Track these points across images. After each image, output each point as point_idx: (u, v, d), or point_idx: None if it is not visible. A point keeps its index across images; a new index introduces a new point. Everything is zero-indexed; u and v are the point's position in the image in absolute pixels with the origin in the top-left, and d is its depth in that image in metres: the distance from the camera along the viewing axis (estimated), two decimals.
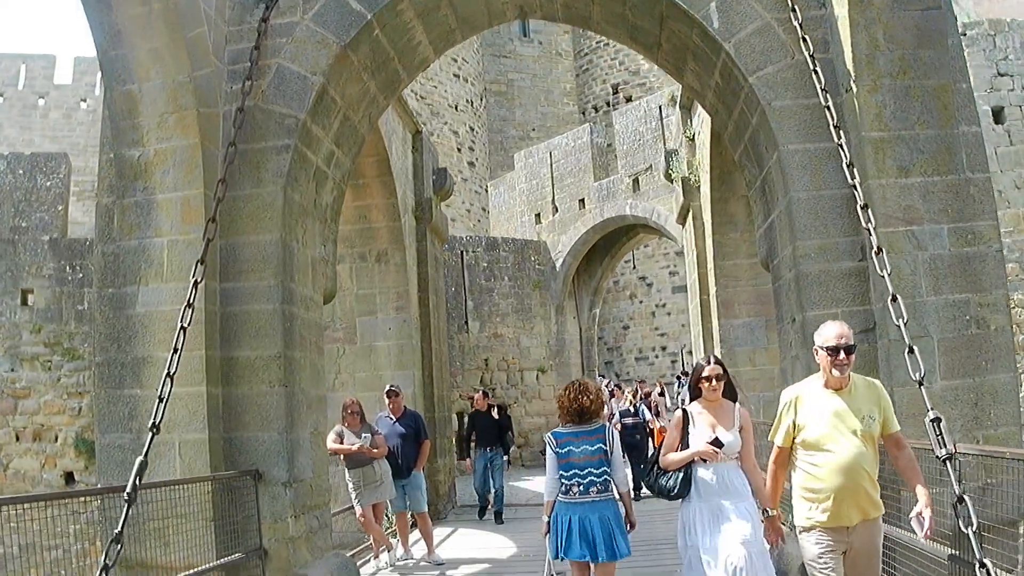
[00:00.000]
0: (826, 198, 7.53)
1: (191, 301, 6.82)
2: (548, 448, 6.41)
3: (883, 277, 6.31)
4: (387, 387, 10.92)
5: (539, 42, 47.74)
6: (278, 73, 8.24)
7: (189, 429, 7.50)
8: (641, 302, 39.95)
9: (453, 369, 20.92)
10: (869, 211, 6.66)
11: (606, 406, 20.29)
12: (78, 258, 16.86)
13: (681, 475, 5.87)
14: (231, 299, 7.98)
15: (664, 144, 19.73)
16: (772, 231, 8.21)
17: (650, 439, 16.41)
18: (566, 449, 6.23)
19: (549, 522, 6.28)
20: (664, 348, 39.27)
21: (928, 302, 7.13)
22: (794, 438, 5.27)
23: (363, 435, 9.91)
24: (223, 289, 8.00)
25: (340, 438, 10.05)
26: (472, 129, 41.84)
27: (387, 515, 11.23)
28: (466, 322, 21.30)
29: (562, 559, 6.26)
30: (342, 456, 10.03)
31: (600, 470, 6.17)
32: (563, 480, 6.20)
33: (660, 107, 20.47)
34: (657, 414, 18.77)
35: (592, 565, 6.15)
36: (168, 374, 6.40)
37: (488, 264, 21.82)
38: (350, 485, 10.15)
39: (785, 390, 5.69)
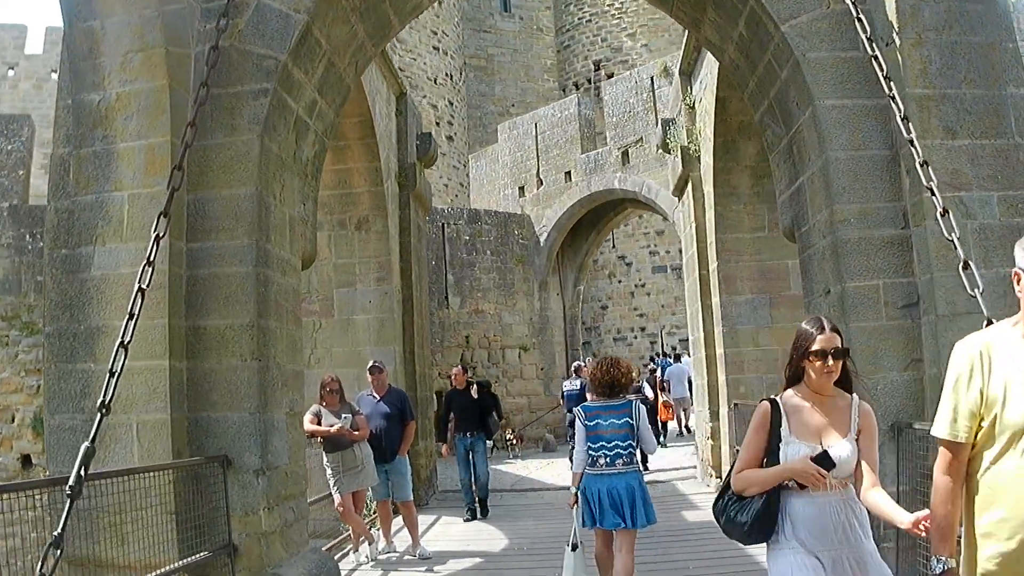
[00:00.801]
0: (865, 159, 6.80)
1: (151, 259, 5.95)
2: (577, 421, 6.75)
3: (951, 240, 5.56)
4: (370, 363, 10.09)
5: (520, 17, 46.87)
6: (257, 10, 7.36)
7: (148, 409, 6.61)
8: (620, 282, 39.35)
9: (433, 346, 20.11)
10: (929, 169, 5.88)
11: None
12: (39, 226, 15.82)
13: (761, 504, 3.93)
14: (199, 261, 7.12)
15: (656, 116, 18.94)
16: (800, 196, 7.45)
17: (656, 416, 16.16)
18: (594, 422, 6.59)
19: (577, 493, 6.70)
20: (643, 329, 38.70)
21: (977, 275, 6.40)
22: (980, 424, 3.06)
23: (343, 416, 9.13)
24: (190, 250, 7.13)
25: (317, 419, 9.28)
26: (451, 103, 40.98)
27: (368, 504, 10.45)
28: (446, 297, 20.49)
29: (592, 528, 6.58)
30: (319, 438, 9.24)
31: (626, 443, 6.55)
32: (591, 452, 6.55)
33: (652, 78, 19.65)
34: (662, 389, 18.62)
35: (615, 532, 6.52)
36: (122, 343, 5.51)
37: (470, 237, 21.00)
38: (328, 471, 9.38)
39: (959, 345, 3.25)
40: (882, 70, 6.24)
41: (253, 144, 7.23)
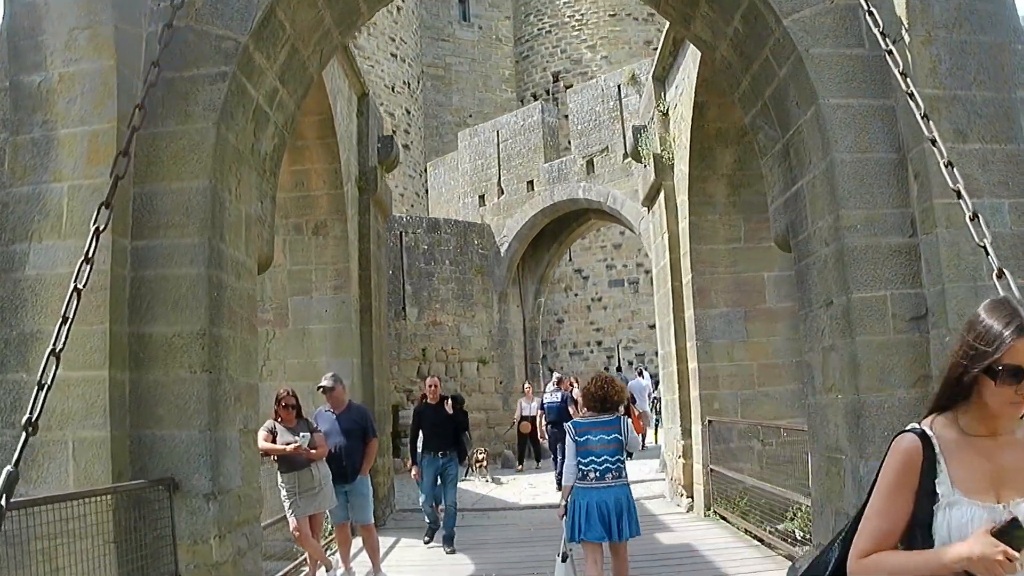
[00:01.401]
0: (872, 162, 6.34)
1: (90, 256, 5.30)
2: (567, 436, 6.96)
3: (983, 246, 5.08)
4: (321, 381, 9.36)
5: (479, 26, 46.45)
6: None
7: (86, 425, 5.92)
8: (576, 295, 38.94)
9: (389, 359, 19.47)
10: (954, 170, 5.41)
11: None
12: None
13: None
14: (145, 261, 6.45)
15: (623, 125, 18.51)
16: (798, 201, 6.97)
17: None
18: (584, 438, 6.80)
19: (566, 506, 6.85)
20: (599, 343, 38.30)
21: (990, 287, 5.91)
22: None
23: (301, 434, 8.50)
24: (136, 248, 6.46)
25: (272, 435, 8.63)
26: (408, 112, 40.44)
27: (326, 527, 9.81)
28: (404, 308, 19.86)
29: (580, 541, 6.73)
30: (274, 457, 8.59)
31: (615, 458, 6.79)
32: (580, 466, 6.75)
33: (619, 86, 19.21)
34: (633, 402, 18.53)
35: (606, 544, 6.73)
36: (53, 351, 4.86)
37: (429, 247, 20.39)
38: (283, 492, 8.72)
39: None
40: (897, 66, 5.78)
41: (208, 133, 6.60)
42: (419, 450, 11.12)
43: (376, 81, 38.29)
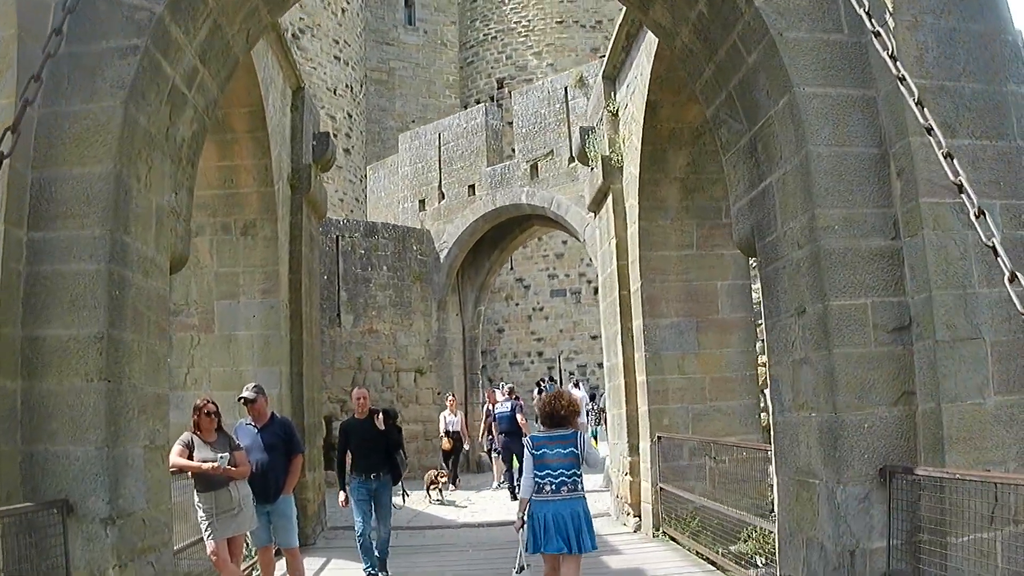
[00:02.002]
0: (851, 157, 5.80)
1: None
2: (526, 450, 7.06)
3: (990, 247, 4.53)
4: (243, 391, 8.60)
5: (424, 31, 45.80)
6: None
7: None
8: (518, 305, 38.41)
9: (322, 368, 18.65)
10: (955, 161, 4.85)
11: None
12: None
13: None
14: (42, 254, 5.72)
15: (569, 128, 17.93)
16: (766, 200, 6.40)
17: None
18: (541, 451, 6.87)
19: (523, 518, 6.95)
20: (540, 354, 37.77)
21: (980, 295, 5.45)
22: None
23: (220, 455, 7.74)
24: (32, 240, 5.73)
25: (189, 450, 7.85)
26: (350, 116, 39.60)
27: (247, 550, 9.04)
28: (338, 315, 19.06)
29: (539, 552, 6.80)
30: (190, 474, 7.83)
31: (571, 471, 6.84)
32: (537, 480, 6.83)
33: (566, 88, 18.62)
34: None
35: (561, 556, 6.74)
36: None
37: (366, 251, 19.62)
38: (200, 512, 7.92)
39: None
40: (886, 48, 5.23)
41: (115, 112, 5.87)
42: (347, 472, 9.67)
43: (318, 83, 37.45)
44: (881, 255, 5.64)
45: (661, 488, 10.76)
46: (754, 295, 13.04)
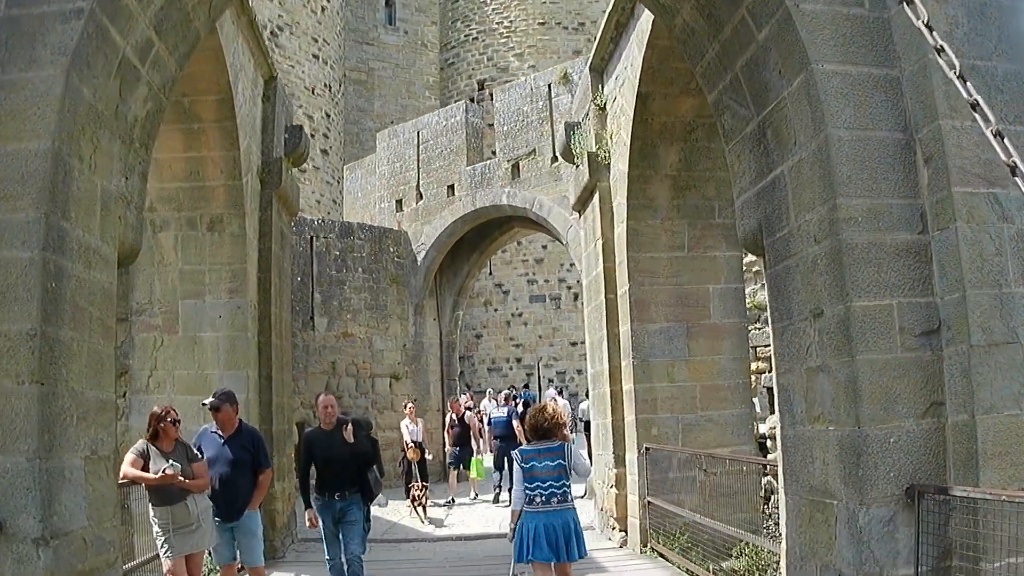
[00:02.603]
0: (874, 142, 5.23)
1: None
2: (515, 463, 7.18)
3: None
4: (210, 397, 7.96)
5: (405, 31, 45.28)
6: None
7: None
8: (496, 310, 37.87)
9: (295, 373, 17.96)
10: (1005, 141, 4.28)
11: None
12: None
13: None
14: None
15: (552, 126, 17.33)
16: (776, 192, 5.82)
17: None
18: (530, 464, 7.03)
19: (514, 528, 7.09)
20: (519, 360, 37.23)
21: (1016, 295, 4.89)
22: None
23: (171, 463, 7.12)
24: None
25: (144, 460, 7.24)
26: (328, 115, 38.95)
27: (209, 568, 8.41)
28: (312, 318, 18.37)
29: (529, 561, 6.96)
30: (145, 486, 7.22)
31: (560, 483, 7.00)
32: (527, 492, 6.99)
33: (550, 85, 18.03)
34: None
35: (552, 565, 6.92)
36: None
37: (341, 253, 18.94)
38: (156, 528, 7.31)
39: None
40: (920, 17, 4.66)
41: (56, 82, 5.22)
42: (313, 491, 8.53)
43: (296, 82, 36.84)
44: (908, 251, 5.08)
45: (649, 501, 10.18)
46: (754, 298, 12.53)
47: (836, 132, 5.15)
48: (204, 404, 7.88)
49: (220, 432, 7.81)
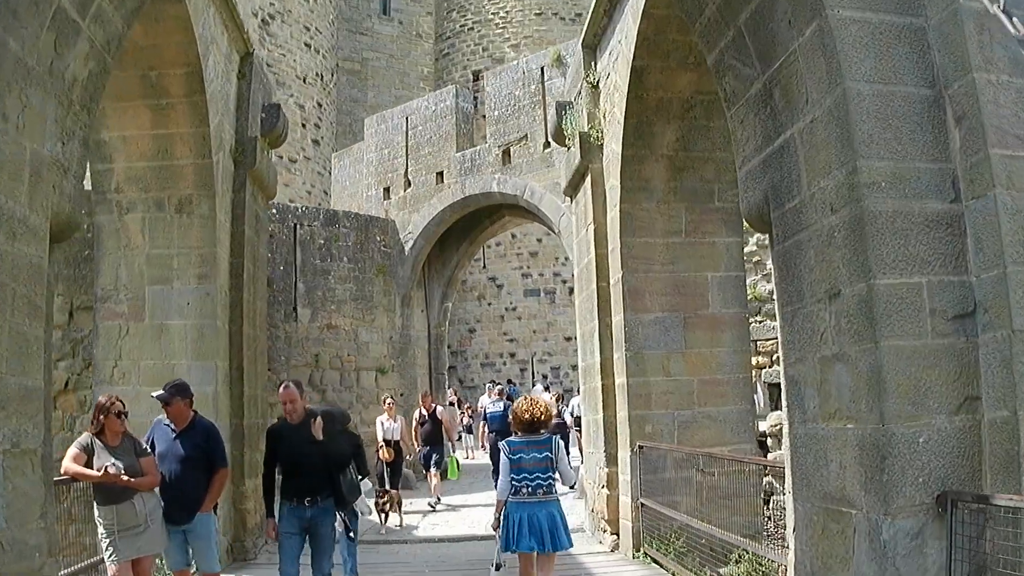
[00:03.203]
0: (898, 98, 4.56)
1: None
2: (502, 454, 7.36)
3: None
4: (163, 388, 7.29)
5: (399, 21, 44.72)
6: None
7: None
8: (490, 304, 37.26)
9: (276, 365, 17.31)
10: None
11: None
12: None
13: None
14: None
15: (545, 111, 16.66)
16: (785, 158, 5.15)
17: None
18: (518, 456, 7.19)
19: (499, 519, 7.25)
20: (513, 355, 36.62)
21: None
22: None
23: (113, 461, 6.49)
24: None
25: (87, 455, 6.61)
26: (320, 105, 38.33)
27: (159, 571, 7.77)
28: (295, 309, 17.68)
29: (513, 551, 7.13)
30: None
31: (546, 475, 7.18)
32: (514, 482, 7.14)
33: (543, 68, 17.33)
34: None
35: (536, 555, 7.08)
36: None
37: (325, 241, 18.25)
38: (100, 530, 6.68)
39: None
40: None
41: None
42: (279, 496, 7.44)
43: (287, 71, 36.33)
44: (939, 221, 4.41)
45: (642, 503, 9.52)
46: (755, 289, 11.90)
47: (855, 86, 4.49)
48: (153, 396, 7.21)
49: (172, 425, 7.14)
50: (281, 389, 7.41)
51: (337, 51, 41.75)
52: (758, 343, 11.87)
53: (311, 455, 7.14)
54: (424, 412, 15.91)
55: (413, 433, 15.65)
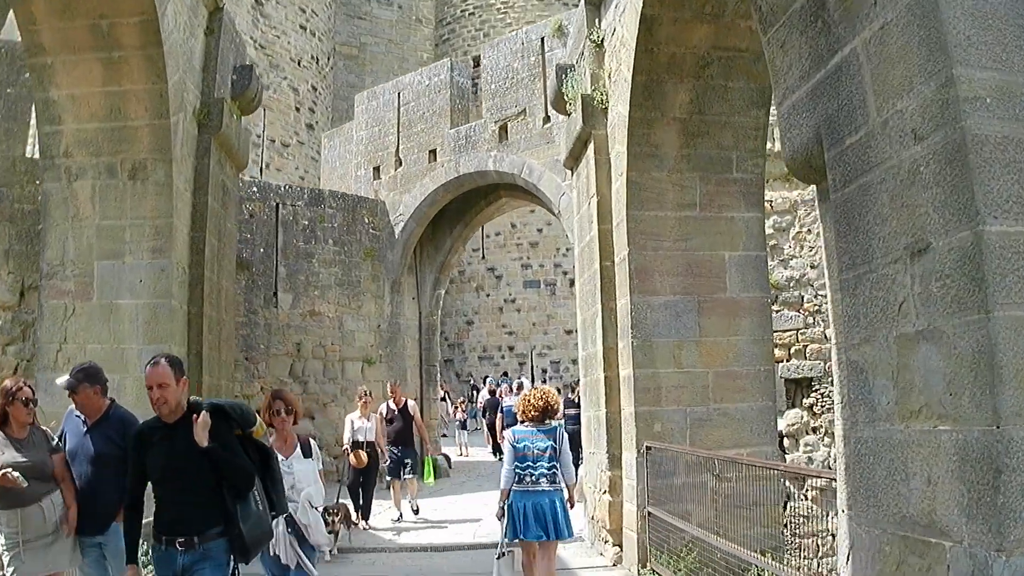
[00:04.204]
0: None
1: None
2: (507, 443, 7.62)
3: None
4: (70, 372, 6.06)
5: (399, 6, 43.69)
6: None
7: None
8: (489, 295, 36.17)
9: (255, 354, 16.19)
10: None
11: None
12: None
13: None
14: None
15: (545, 83, 15.47)
16: (842, 81, 3.95)
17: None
18: (523, 445, 7.42)
19: (504, 507, 7.42)
20: (511, 348, 35.52)
21: None
22: None
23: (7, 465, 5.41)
24: None
25: None
26: (315, 89, 37.23)
27: None
28: (275, 294, 16.51)
29: (519, 539, 7.34)
30: None
31: (550, 464, 7.38)
32: (518, 471, 7.35)
33: (543, 39, 16.10)
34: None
35: (538, 543, 7.32)
36: None
37: (309, 222, 17.05)
38: (1, 538, 5.56)
39: None
40: None
41: None
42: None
43: (281, 52, 35.27)
44: None
45: (649, 512, 8.35)
46: (770, 275, 10.74)
47: None
48: (57, 383, 6.05)
49: (84, 417, 5.98)
50: (148, 368, 4.84)
51: (334, 35, 40.74)
52: (775, 335, 10.74)
53: (188, 470, 4.75)
54: (393, 406, 13.23)
55: (380, 430, 12.84)
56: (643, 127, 8.93)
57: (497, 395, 23.04)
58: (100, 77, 9.34)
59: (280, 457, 5.93)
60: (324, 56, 38.57)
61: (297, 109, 35.55)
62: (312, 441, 6.93)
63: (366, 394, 12.78)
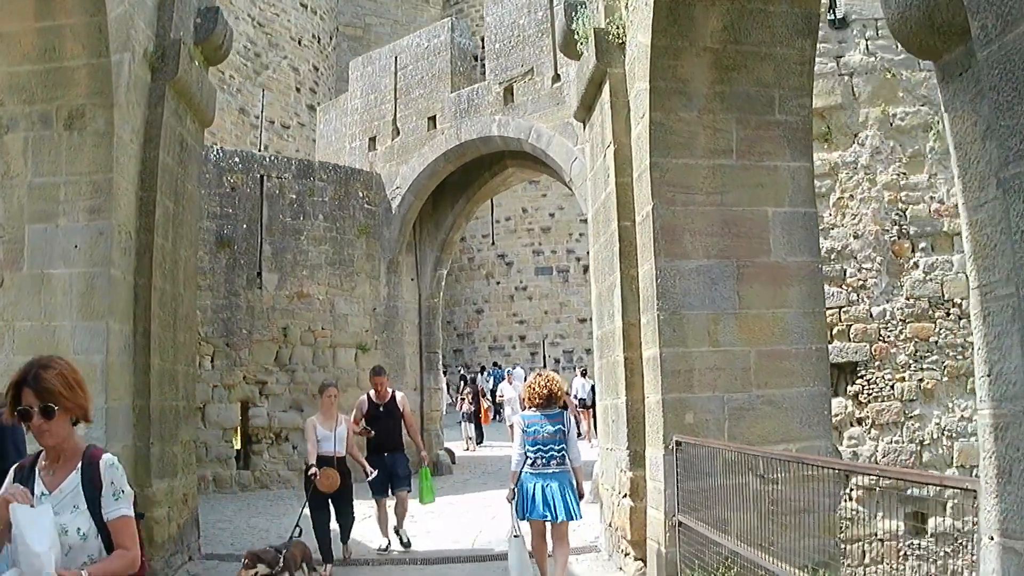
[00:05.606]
0: None
1: None
2: (516, 427, 7.86)
3: None
4: None
5: None
6: None
7: None
8: (499, 283, 34.80)
9: (236, 340, 14.77)
10: None
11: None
12: None
13: None
14: None
15: (553, 40, 13.95)
16: None
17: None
18: (533, 428, 7.64)
19: (515, 489, 7.64)
20: (523, 338, 34.14)
21: None
22: None
23: None
24: None
25: None
26: (316, 68, 36.00)
27: None
28: (259, 274, 15.06)
29: (526, 519, 7.56)
30: None
31: (559, 447, 7.58)
32: (528, 454, 7.60)
33: None
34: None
35: (549, 524, 7.56)
36: None
37: (298, 196, 15.58)
38: None
39: None
40: None
41: None
42: None
43: (280, 31, 34.08)
44: None
45: (680, 521, 6.85)
46: (824, 241, 9.21)
47: None
48: None
49: None
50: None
51: (338, 15, 39.53)
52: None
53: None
54: (375, 399, 10.33)
55: (354, 431, 9.93)
56: (668, 58, 7.45)
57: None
58: (32, 10, 7.97)
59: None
60: (326, 35, 37.36)
61: (298, 89, 34.31)
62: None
63: (332, 390, 9.78)
